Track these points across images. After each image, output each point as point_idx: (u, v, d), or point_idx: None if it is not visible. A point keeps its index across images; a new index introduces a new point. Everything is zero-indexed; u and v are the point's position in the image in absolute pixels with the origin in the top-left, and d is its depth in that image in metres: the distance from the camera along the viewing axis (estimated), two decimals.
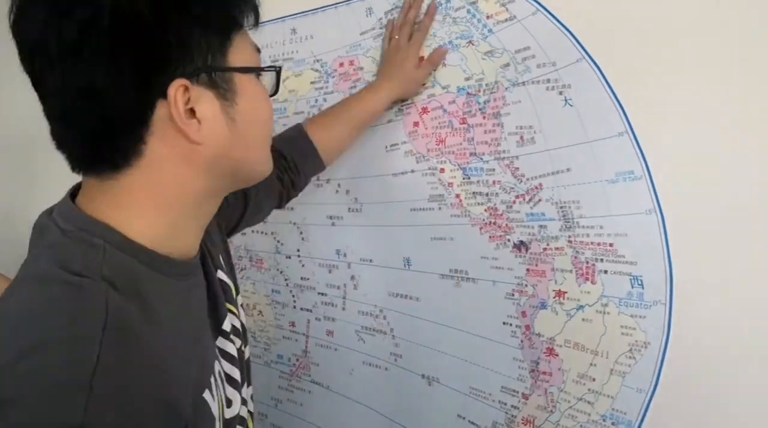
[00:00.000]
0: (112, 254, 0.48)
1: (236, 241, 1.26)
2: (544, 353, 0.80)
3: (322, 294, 1.10)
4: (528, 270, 0.82)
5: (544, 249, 0.81)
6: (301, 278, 1.13)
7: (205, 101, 0.50)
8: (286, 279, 1.16)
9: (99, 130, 0.48)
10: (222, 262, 0.70)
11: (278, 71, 0.58)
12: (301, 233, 1.14)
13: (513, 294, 0.84)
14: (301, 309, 1.13)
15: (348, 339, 1.05)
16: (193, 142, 0.50)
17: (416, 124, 0.96)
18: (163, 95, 0.48)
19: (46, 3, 0.46)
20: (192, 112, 0.50)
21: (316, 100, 1.11)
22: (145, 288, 0.49)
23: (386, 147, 1.00)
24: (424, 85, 0.94)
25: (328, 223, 1.09)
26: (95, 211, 0.51)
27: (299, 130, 0.90)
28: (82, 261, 0.47)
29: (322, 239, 1.10)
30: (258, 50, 0.58)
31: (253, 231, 1.23)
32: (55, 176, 1.50)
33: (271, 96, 0.58)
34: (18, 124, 1.69)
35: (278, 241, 1.18)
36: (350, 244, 1.06)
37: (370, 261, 1.02)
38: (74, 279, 0.45)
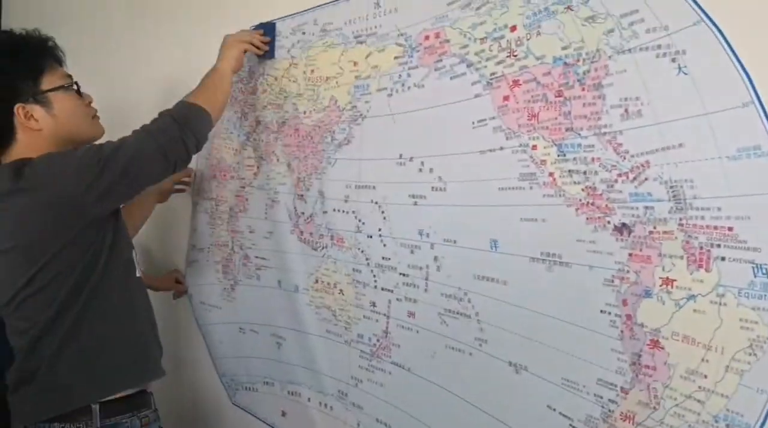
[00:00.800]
0: None
1: (317, 220, 1.26)
2: (648, 345, 0.74)
3: (404, 274, 1.08)
4: (631, 255, 0.76)
5: (650, 232, 0.74)
6: (383, 258, 1.11)
7: (35, 110, 1.12)
8: (367, 259, 1.15)
9: None
10: None
11: (70, 86, 1.18)
12: (382, 212, 1.12)
13: (612, 281, 0.78)
14: (382, 289, 1.12)
15: (430, 321, 1.03)
16: (35, 130, 1.12)
17: (506, 98, 0.91)
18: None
19: None
20: (32, 115, 1.11)
21: (400, 76, 1.08)
22: None
23: (473, 123, 0.96)
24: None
25: (411, 203, 1.06)
26: None
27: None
28: None
29: (405, 219, 1.07)
30: (67, 75, 1.19)
31: (334, 210, 1.22)
32: None
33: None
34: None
35: (359, 220, 1.16)
36: (433, 225, 1.02)
37: (455, 242, 0.99)
38: None
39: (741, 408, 0.66)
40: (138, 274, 1.23)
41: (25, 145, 1.12)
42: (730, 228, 0.67)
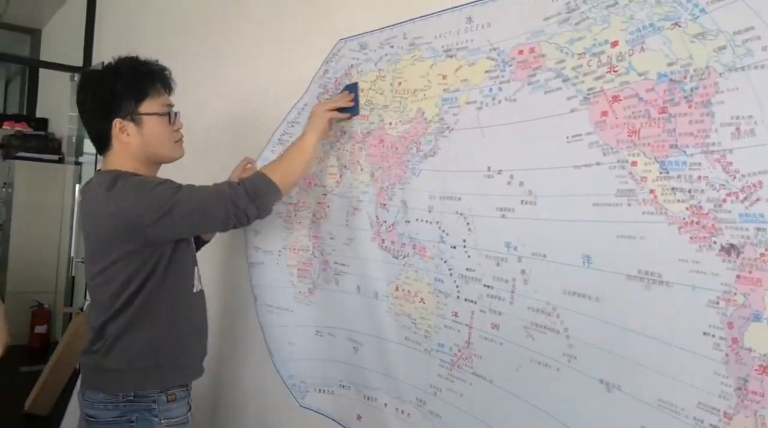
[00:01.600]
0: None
1: (399, 229, 1.28)
2: (756, 370, 0.72)
3: (488, 286, 1.08)
4: (738, 276, 0.74)
5: (762, 254, 0.72)
6: (467, 269, 1.12)
7: (129, 127, 1.32)
8: (450, 269, 1.16)
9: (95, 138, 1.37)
10: None
11: (164, 114, 1.36)
12: (467, 224, 1.13)
13: (717, 303, 0.76)
14: (465, 300, 1.13)
15: (515, 334, 1.03)
16: (125, 143, 1.32)
17: (605, 113, 0.90)
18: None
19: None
20: (126, 131, 1.31)
21: (491, 89, 1.09)
22: None
23: (567, 137, 0.96)
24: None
25: (498, 215, 1.07)
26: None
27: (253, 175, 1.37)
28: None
29: (491, 231, 1.08)
30: (168, 104, 1.37)
31: (417, 220, 1.24)
32: (229, 168, 1.63)
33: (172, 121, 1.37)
34: (203, 124, 1.85)
35: (443, 231, 1.18)
36: (521, 238, 1.02)
37: (544, 256, 0.99)
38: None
39: None
40: (195, 290, 1.41)
41: (118, 153, 1.35)
42: None
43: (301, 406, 1.55)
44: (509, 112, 1.05)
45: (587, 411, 0.91)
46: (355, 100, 1.41)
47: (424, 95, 1.24)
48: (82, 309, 2.89)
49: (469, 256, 1.12)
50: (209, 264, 1.81)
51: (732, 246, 0.75)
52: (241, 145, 1.78)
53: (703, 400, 0.77)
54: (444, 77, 1.20)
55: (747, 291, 0.73)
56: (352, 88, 1.42)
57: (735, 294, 0.74)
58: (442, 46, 1.21)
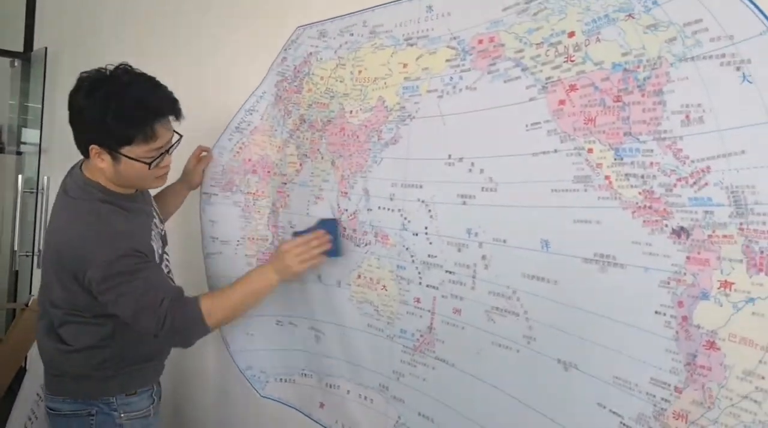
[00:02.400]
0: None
1: (361, 217, 1.28)
2: (704, 346, 0.76)
3: (450, 272, 1.10)
4: (688, 257, 0.78)
5: (709, 236, 0.76)
6: (429, 255, 1.14)
7: (104, 157, 1.21)
8: (412, 256, 1.17)
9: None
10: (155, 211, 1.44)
11: (146, 162, 1.23)
12: (429, 211, 1.14)
13: (668, 283, 0.79)
14: (428, 286, 1.14)
15: (477, 318, 1.05)
16: (99, 166, 1.23)
17: (562, 102, 0.93)
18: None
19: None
20: (101, 158, 1.21)
21: (451, 78, 1.10)
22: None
23: (526, 125, 0.98)
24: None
25: (459, 202, 1.09)
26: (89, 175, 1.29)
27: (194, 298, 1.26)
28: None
29: (452, 218, 1.10)
30: (155, 149, 1.22)
31: (379, 208, 1.25)
32: (185, 155, 1.58)
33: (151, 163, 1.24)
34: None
35: (405, 218, 1.19)
36: (482, 224, 1.05)
37: (504, 241, 1.01)
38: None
39: None
40: None
41: (94, 166, 1.25)
42: None
43: (262, 396, 1.54)
44: (470, 101, 1.07)
45: (546, 390, 0.94)
46: (336, 239, 1.28)
47: (385, 83, 1.24)
48: (27, 306, 2.77)
49: (431, 243, 1.14)
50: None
51: (682, 228, 0.78)
52: (198, 132, 1.74)
53: (655, 376, 0.81)
54: (405, 65, 1.20)
55: (696, 272, 0.77)
56: (331, 226, 1.29)
57: (685, 274, 0.78)
58: (403, 35, 1.21)
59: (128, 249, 1.20)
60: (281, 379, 1.51)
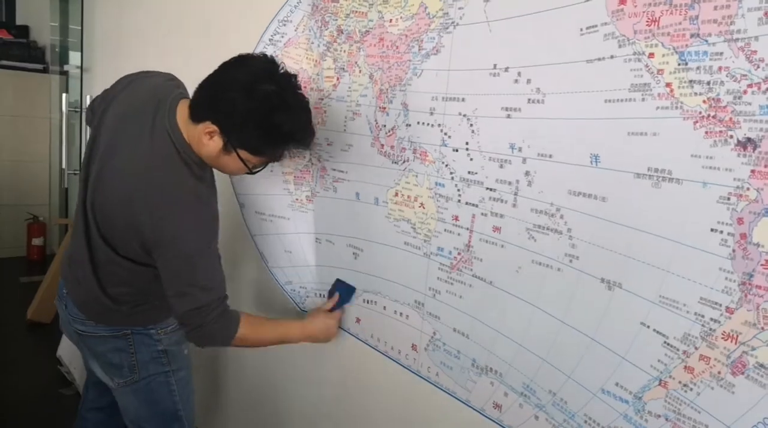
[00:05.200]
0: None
1: (399, 133, 1.24)
2: (762, 265, 0.71)
3: (491, 189, 1.06)
4: (753, 171, 0.71)
5: None
6: (469, 172, 1.10)
7: (215, 141, 1.18)
8: (451, 173, 1.14)
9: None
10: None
11: (250, 171, 1.25)
12: (471, 125, 1.09)
13: (728, 198, 0.74)
14: (467, 203, 1.11)
15: (517, 236, 1.02)
16: (202, 141, 1.19)
17: (623, 1, 0.84)
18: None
19: None
20: (210, 138, 1.18)
21: None
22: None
23: (581, 29, 0.90)
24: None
25: (503, 115, 1.03)
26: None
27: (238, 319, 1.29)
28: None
29: (495, 132, 1.05)
30: (266, 162, 1.28)
31: (418, 123, 1.20)
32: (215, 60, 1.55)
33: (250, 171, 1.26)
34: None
35: (445, 133, 1.14)
36: (527, 138, 0.99)
37: (550, 156, 0.96)
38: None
39: None
40: None
41: (195, 134, 1.20)
42: None
43: (301, 310, 1.58)
44: (520, 3, 0.99)
45: (586, 308, 0.91)
46: (343, 289, 1.43)
47: None
48: None
49: (471, 159, 1.09)
50: None
51: (749, 139, 0.72)
52: (230, 42, 1.70)
53: (705, 295, 0.77)
54: None
55: (761, 186, 0.71)
56: (338, 286, 1.45)
57: (748, 189, 0.72)
58: None
59: (215, 237, 1.23)
60: (320, 294, 1.54)
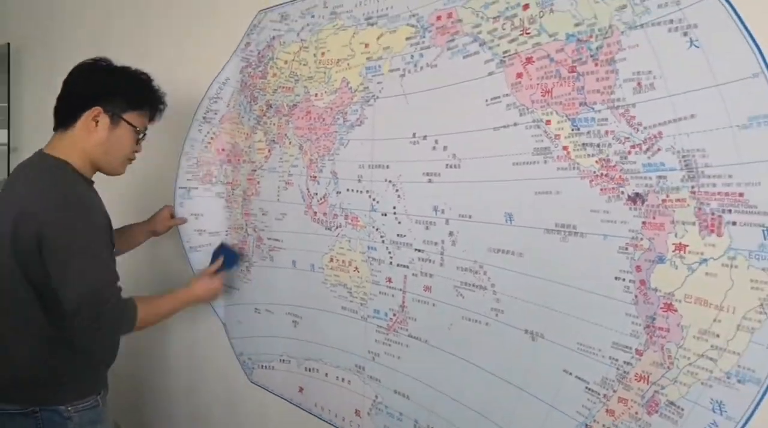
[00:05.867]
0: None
1: (330, 201, 1.29)
2: (661, 308, 0.77)
3: (419, 250, 1.11)
4: (644, 223, 0.79)
5: (663, 200, 0.77)
6: (398, 235, 1.15)
7: (103, 121, 1.27)
8: (382, 237, 1.18)
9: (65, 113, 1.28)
10: None
11: (139, 133, 1.33)
12: (396, 191, 1.15)
13: (626, 249, 0.81)
14: (398, 265, 1.15)
15: (446, 294, 1.06)
16: (87, 133, 1.26)
17: (519, 75, 0.93)
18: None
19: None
20: (98, 122, 1.26)
21: (412, 56, 1.10)
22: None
23: (486, 101, 0.98)
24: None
25: (425, 180, 1.09)
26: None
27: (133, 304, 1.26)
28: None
29: (419, 196, 1.10)
30: (146, 128, 1.35)
31: (348, 190, 1.25)
32: (150, 146, 1.58)
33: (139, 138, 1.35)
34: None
35: (373, 199, 1.19)
36: (448, 201, 1.05)
37: (470, 217, 1.02)
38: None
39: (752, 364, 0.70)
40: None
41: (73, 139, 1.27)
42: (741, 194, 0.70)
43: (251, 382, 1.55)
44: (431, 78, 1.07)
45: (514, 360, 0.95)
46: (231, 255, 1.51)
47: (348, 64, 1.24)
48: None
49: (399, 222, 1.14)
50: (146, 258, 1.75)
51: (637, 194, 0.80)
52: (163, 122, 1.73)
53: (617, 340, 0.82)
54: (366, 46, 1.20)
55: (652, 236, 0.78)
56: (223, 249, 1.53)
57: (641, 239, 0.79)
58: (363, 14, 1.20)
59: (103, 234, 1.21)
60: (263, 366, 1.52)
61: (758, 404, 0.69)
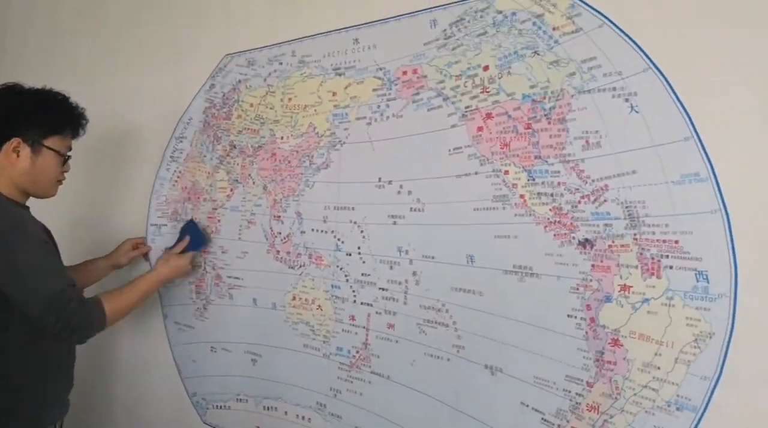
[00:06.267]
0: None
1: (294, 240, 1.32)
2: (609, 344, 0.86)
3: (383, 289, 1.16)
4: (593, 265, 0.88)
5: (609, 246, 0.86)
6: (362, 274, 1.19)
7: (24, 151, 1.26)
8: (346, 276, 1.22)
9: None
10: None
11: (64, 156, 1.33)
12: (361, 231, 1.20)
13: (578, 289, 0.89)
14: (362, 303, 1.19)
15: (409, 331, 1.11)
16: (11, 162, 1.26)
17: (480, 128, 1.02)
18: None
19: None
20: (19, 153, 1.26)
21: (379, 106, 1.18)
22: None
23: (449, 150, 1.07)
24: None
25: (390, 222, 1.15)
26: None
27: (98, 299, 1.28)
28: None
29: (384, 237, 1.16)
30: (70, 147, 1.35)
31: (312, 230, 1.29)
32: (114, 185, 1.57)
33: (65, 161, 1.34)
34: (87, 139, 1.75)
35: (338, 239, 1.24)
36: (412, 242, 1.11)
37: (433, 257, 1.08)
38: None
39: (689, 393, 0.78)
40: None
41: (4, 166, 1.27)
42: (677, 242, 0.80)
43: (204, 422, 1.52)
44: (397, 127, 1.15)
45: (476, 394, 1.01)
46: (198, 234, 1.50)
47: (315, 110, 1.30)
48: None
49: (364, 262, 1.19)
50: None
51: (587, 240, 0.89)
52: (130, 160, 1.73)
53: (569, 373, 0.90)
54: (334, 94, 1.27)
55: (600, 278, 0.87)
56: (190, 227, 1.52)
57: (591, 280, 0.88)
58: (331, 65, 1.28)
59: (40, 237, 1.23)
60: (218, 406, 1.50)
61: None
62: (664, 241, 0.81)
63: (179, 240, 1.51)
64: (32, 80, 1.34)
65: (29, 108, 1.28)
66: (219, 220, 1.50)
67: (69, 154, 1.35)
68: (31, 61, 2.23)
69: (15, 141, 1.26)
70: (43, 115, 1.29)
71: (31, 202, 1.36)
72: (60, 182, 1.37)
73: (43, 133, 1.29)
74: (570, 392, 0.90)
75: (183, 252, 1.48)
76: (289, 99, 1.36)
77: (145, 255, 1.63)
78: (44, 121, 1.29)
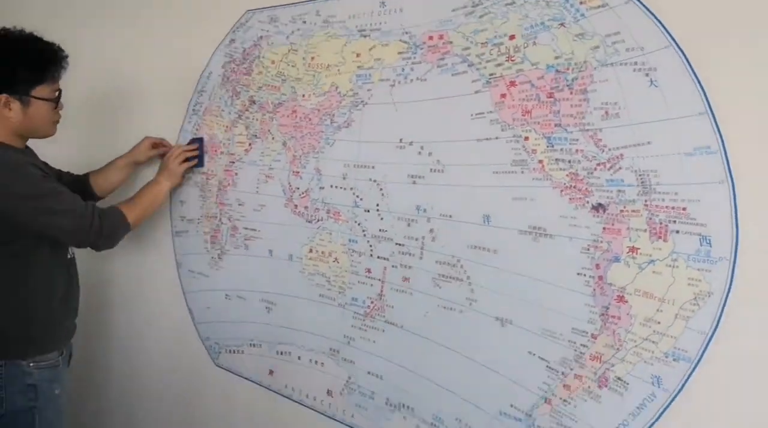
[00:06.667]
0: None
1: (313, 195, 1.38)
2: (615, 300, 0.93)
3: (400, 244, 1.22)
4: (604, 228, 0.95)
5: (621, 210, 0.93)
6: (380, 230, 1.26)
7: (14, 104, 1.31)
8: (363, 231, 1.29)
9: None
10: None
11: (54, 100, 1.38)
12: (381, 190, 1.26)
13: (588, 249, 0.96)
14: (378, 257, 1.26)
15: (424, 285, 1.18)
16: (4, 117, 1.31)
17: (503, 95, 1.07)
18: None
19: None
20: (10, 107, 1.31)
21: (403, 69, 1.22)
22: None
23: (472, 115, 1.12)
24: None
25: (409, 182, 1.21)
26: None
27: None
28: None
29: (403, 196, 1.22)
30: (58, 89, 1.39)
31: (331, 187, 1.34)
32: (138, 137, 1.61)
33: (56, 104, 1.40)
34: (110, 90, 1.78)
35: (357, 196, 1.30)
36: (430, 201, 1.18)
37: (450, 216, 1.15)
38: None
39: (685, 346, 0.87)
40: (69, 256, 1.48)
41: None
42: (684, 208, 0.87)
43: (216, 365, 1.61)
44: (420, 90, 1.19)
45: (485, 343, 1.09)
46: (200, 153, 1.61)
47: (338, 71, 1.34)
48: None
49: (382, 219, 1.25)
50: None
51: (600, 204, 0.95)
52: (153, 114, 1.76)
53: (575, 326, 0.98)
54: (358, 55, 1.30)
55: (610, 240, 0.94)
56: (198, 142, 1.62)
57: (601, 242, 0.95)
58: (356, 26, 1.31)
59: (38, 173, 1.32)
60: (231, 350, 1.58)
61: (688, 377, 0.86)
62: (673, 208, 0.88)
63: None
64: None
65: (7, 65, 1.31)
66: (236, 173, 1.55)
67: (59, 95, 1.40)
68: (54, 20, 2.22)
69: (3, 97, 1.31)
70: (23, 69, 1.32)
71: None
72: (56, 122, 1.43)
73: (29, 85, 1.33)
74: (575, 343, 0.98)
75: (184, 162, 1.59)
76: (312, 58, 1.39)
77: (162, 156, 1.67)
78: (26, 75, 1.33)
